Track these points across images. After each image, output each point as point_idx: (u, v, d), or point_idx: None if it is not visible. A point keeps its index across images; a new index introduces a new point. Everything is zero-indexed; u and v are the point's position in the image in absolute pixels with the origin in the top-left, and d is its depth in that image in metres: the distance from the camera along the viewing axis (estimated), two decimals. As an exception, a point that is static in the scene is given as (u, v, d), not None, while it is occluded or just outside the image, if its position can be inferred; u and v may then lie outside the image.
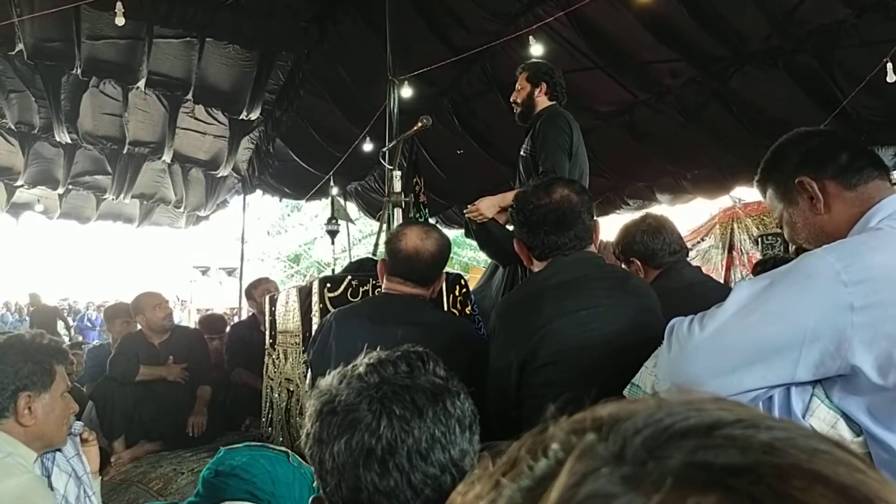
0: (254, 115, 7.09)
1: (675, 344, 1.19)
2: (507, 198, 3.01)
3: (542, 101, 3.02)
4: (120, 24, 4.41)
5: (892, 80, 3.83)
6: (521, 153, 3.04)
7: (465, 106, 6.17)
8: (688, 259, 2.50)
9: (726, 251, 7.10)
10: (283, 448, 1.90)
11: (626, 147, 5.72)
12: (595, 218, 1.79)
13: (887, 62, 3.83)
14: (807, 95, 4.40)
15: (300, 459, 1.80)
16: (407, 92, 5.04)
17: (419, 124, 3.06)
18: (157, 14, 5.41)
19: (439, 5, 5.22)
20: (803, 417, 1.09)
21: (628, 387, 1.40)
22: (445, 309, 2.58)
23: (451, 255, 2.21)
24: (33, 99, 6.71)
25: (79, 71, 6.07)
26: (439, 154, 6.75)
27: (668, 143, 5.49)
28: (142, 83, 6.40)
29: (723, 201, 7.80)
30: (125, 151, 7.80)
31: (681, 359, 1.17)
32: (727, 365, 1.10)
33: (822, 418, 1.08)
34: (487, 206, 2.89)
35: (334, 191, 4.30)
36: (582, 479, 0.26)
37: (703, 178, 5.85)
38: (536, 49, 4.65)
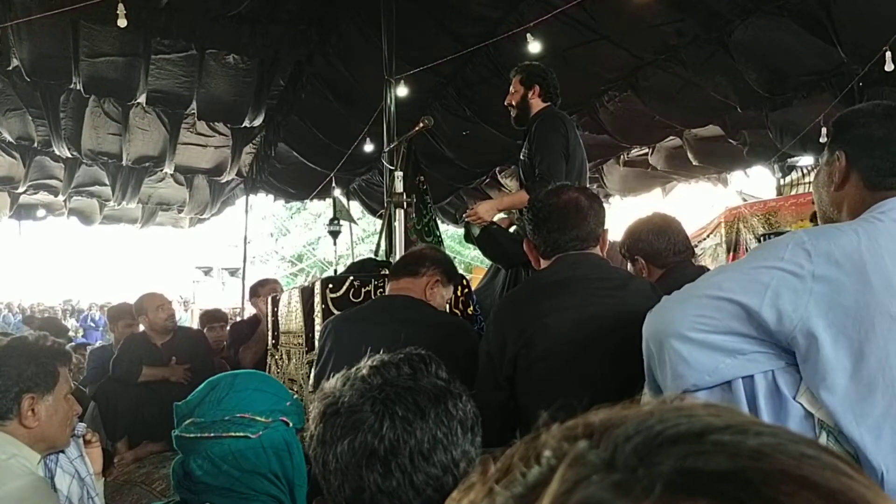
0: (256, 123, 7.05)
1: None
2: (505, 201, 3.05)
3: (537, 104, 3.03)
4: (122, 26, 4.37)
5: (891, 69, 3.80)
6: (521, 157, 3.05)
7: (469, 90, 6.08)
8: (693, 259, 2.50)
9: (731, 250, 7.08)
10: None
11: (631, 109, 5.66)
12: (605, 227, 1.81)
13: (886, 51, 3.80)
14: (811, 40, 4.29)
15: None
16: (408, 85, 5.03)
17: (420, 124, 3.07)
18: (157, 27, 5.38)
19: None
20: (794, 398, 1.14)
21: None
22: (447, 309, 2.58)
23: (453, 255, 2.26)
24: (30, 118, 6.65)
25: (80, 86, 6.04)
26: (444, 134, 6.69)
27: (673, 100, 5.40)
28: (142, 98, 6.35)
29: (728, 200, 7.80)
30: (124, 164, 7.75)
31: (657, 309, 1.29)
32: (697, 297, 1.21)
33: (809, 401, 1.14)
34: (486, 210, 2.93)
35: (336, 192, 4.30)
36: (573, 487, 0.27)
37: (708, 141, 5.82)
38: (539, 33, 4.57)
